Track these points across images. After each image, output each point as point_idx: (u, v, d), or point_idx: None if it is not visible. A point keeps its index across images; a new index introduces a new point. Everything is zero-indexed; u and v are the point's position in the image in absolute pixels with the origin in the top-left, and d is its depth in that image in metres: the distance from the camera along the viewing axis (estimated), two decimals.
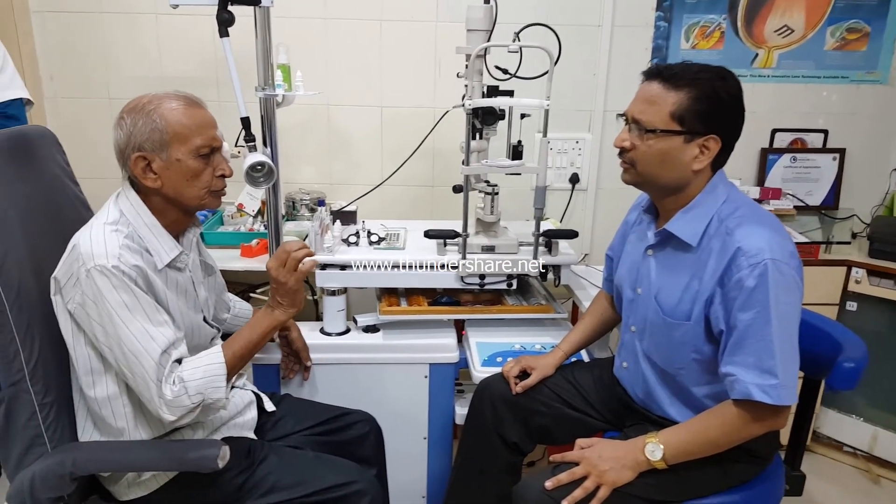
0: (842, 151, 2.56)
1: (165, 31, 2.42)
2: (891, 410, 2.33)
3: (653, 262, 1.39)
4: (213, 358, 1.29)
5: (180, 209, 1.34)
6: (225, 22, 1.68)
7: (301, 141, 2.52)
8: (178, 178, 1.29)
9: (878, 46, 2.49)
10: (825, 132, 2.56)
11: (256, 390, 1.57)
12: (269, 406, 1.55)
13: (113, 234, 1.23)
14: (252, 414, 1.50)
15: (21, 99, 1.97)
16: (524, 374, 1.64)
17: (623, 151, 1.34)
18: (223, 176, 1.35)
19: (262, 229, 2.31)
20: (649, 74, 1.33)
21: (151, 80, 2.43)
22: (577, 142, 2.56)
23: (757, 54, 2.51)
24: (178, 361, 1.26)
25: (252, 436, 1.47)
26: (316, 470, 1.37)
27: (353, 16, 2.41)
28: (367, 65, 2.46)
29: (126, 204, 1.30)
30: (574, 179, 2.59)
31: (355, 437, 1.58)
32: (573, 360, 1.71)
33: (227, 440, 1.29)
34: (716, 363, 1.28)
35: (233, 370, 1.31)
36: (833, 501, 2.19)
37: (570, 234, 1.88)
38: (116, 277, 1.19)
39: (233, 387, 1.52)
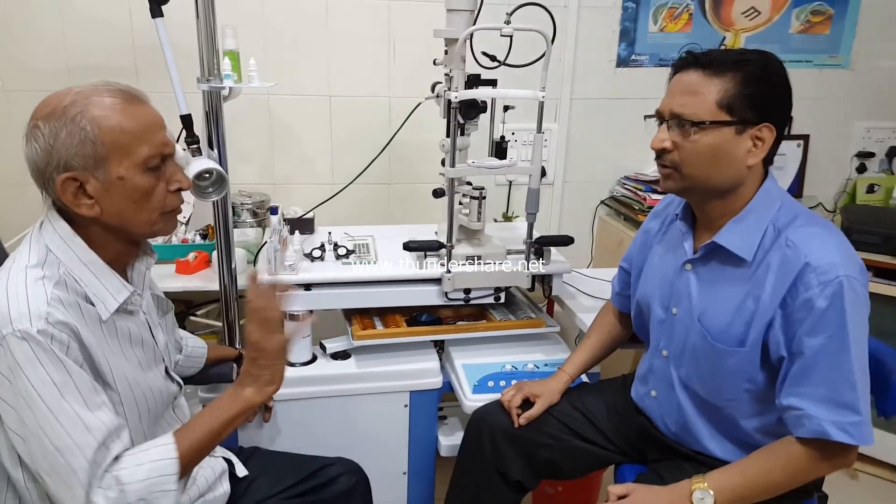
0: (806, 138, 2.52)
1: (69, 11, 2.02)
2: None
3: (693, 279, 1.23)
4: (163, 452, 0.97)
5: (125, 239, 1.05)
6: None
7: (238, 136, 2.19)
8: (121, 201, 0.99)
9: (840, 29, 2.45)
10: (790, 118, 2.51)
11: (229, 454, 1.29)
12: (242, 471, 1.28)
13: (38, 285, 0.93)
14: (224, 488, 1.23)
15: None
16: (526, 403, 1.45)
17: (663, 154, 1.16)
18: (179, 189, 1.06)
19: (197, 239, 2.00)
20: (683, 64, 1.15)
21: (55, 73, 2.03)
22: (543, 132, 2.37)
23: (725, 37, 2.41)
24: (117, 458, 0.95)
25: None
26: None
27: None
28: (312, 48, 2.17)
29: (53, 238, 0.99)
30: (541, 173, 2.40)
31: (340, 494, 1.34)
32: (577, 382, 1.54)
33: None
34: (770, 393, 1.14)
35: (188, 466, 1.00)
36: None
37: (566, 241, 1.70)
38: (42, 347, 0.89)
39: None
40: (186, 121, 1.42)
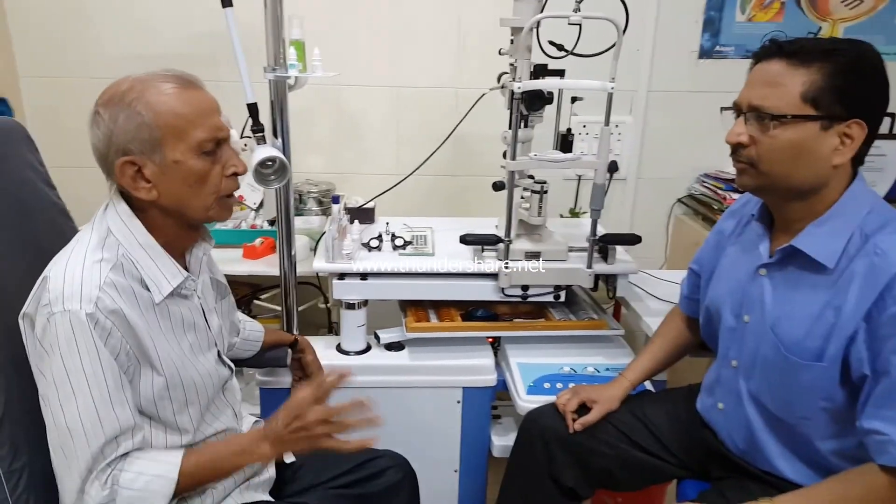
0: None
1: (152, 2, 2.10)
2: None
3: (767, 284, 1.13)
4: (165, 469, 0.97)
5: (183, 223, 1.06)
6: None
7: (307, 126, 2.22)
8: (177, 184, 1.00)
9: None
10: (892, 116, 2.30)
11: None
12: (289, 457, 1.28)
13: (94, 267, 0.95)
14: (270, 473, 1.23)
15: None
16: (583, 409, 1.39)
17: (738, 149, 1.07)
18: (235, 174, 1.06)
19: (265, 225, 2.04)
20: (766, 53, 1.06)
21: (135, 59, 2.12)
22: (617, 126, 2.29)
23: (820, 28, 2.23)
24: (126, 454, 0.97)
25: (268, 498, 1.21)
26: None
27: None
28: (380, 39, 2.17)
29: (115, 220, 1.01)
30: (612, 168, 2.29)
31: (387, 488, 1.33)
32: (639, 390, 1.46)
33: None
34: (850, 413, 1.04)
35: (183, 490, 1.00)
36: None
37: (632, 240, 1.62)
38: (84, 330, 0.91)
39: None
40: (252, 109, 1.44)
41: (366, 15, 2.14)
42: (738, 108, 1.09)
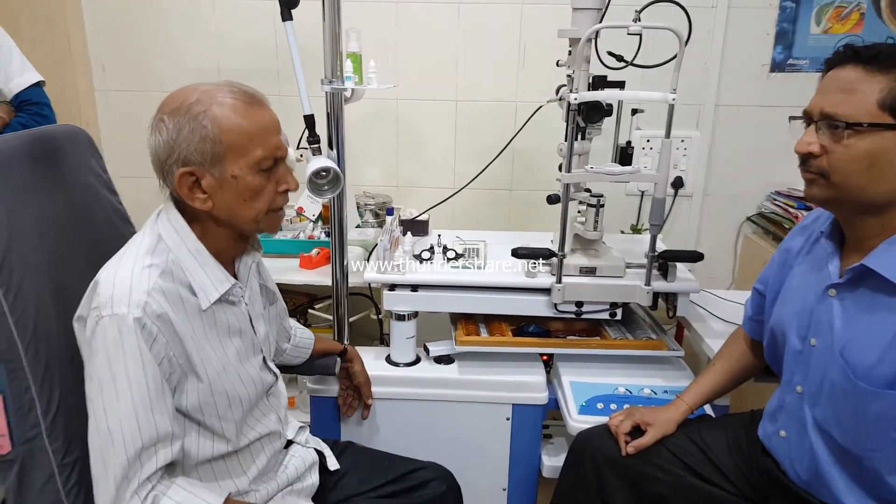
0: None
1: (223, 17, 2.20)
2: None
3: (837, 306, 1.05)
4: None
5: (234, 233, 1.08)
6: (288, 3, 1.43)
7: (366, 139, 2.26)
8: (232, 197, 1.02)
9: None
10: None
11: (320, 446, 1.31)
12: (333, 464, 1.29)
13: (143, 273, 0.98)
14: (313, 479, 1.24)
15: (41, 82, 1.77)
16: (637, 431, 1.33)
17: (808, 159, 1.01)
18: (286, 191, 1.08)
19: (322, 236, 2.07)
20: (840, 59, 1.00)
21: (207, 73, 2.22)
22: (683, 141, 2.22)
23: None
24: (171, 469, 0.99)
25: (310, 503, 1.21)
26: None
27: None
28: (442, 54, 2.18)
29: (166, 227, 1.04)
30: (677, 184, 2.24)
31: (430, 499, 1.31)
32: (697, 413, 1.39)
33: None
34: None
35: None
36: None
37: (694, 257, 1.55)
38: (130, 335, 0.93)
39: (292, 442, 1.27)
40: (309, 121, 1.46)
41: (426, 29, 2.16)
42: (808, 117, 1.03)
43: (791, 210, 2.07)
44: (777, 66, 2.16)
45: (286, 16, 1.44)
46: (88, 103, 2.26)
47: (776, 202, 2.18)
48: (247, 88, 1.04)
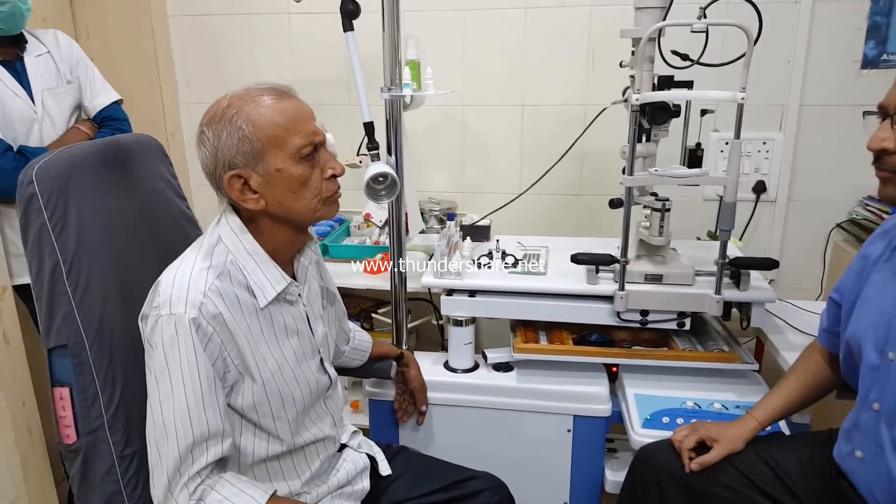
0: None
1: (298, 30, 2.27)
2: None
3: None
4: (247, 503, 1.00)
5: (293, 227, 1.11)
6: (349, 14, 1.46)
7: (432, 145, 2.27)
8: (282, 191, 1.04)
9: None
10: None
11: (373, 451, 1.31)
12: (385, 469, 1.29)
13: (201, 275, 1.02)
14: (364, 484, 1.24)
15: (120, 100, 1.90)
16: (702, 447, 1.26)
17: (883, 156, 0.93)
18: (333, 176, 1.09)
19: (388, 242, 2.09)
20: None
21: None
22: (765, 143, 2.10)
23: None
24: (222, 465, 1.02)
25: None
26: None
27: (496, 5, 2.13)
28: (508, 59, 2.17)
29: (225, 229, 1.08)
30: (759, 188, 2.12)
31: None
32: (769, 430, 1.30)
33: None
34: None
35: None
36: None
37: (768, 265, 1.45)
38: (186, 334, 0.97)
39: (345, 446, 1.28)
40: (368, 128, 1.48)
41: (493, 36, 2.16)
42: (883, 111, 0.95)
43: (886, 216, 1.91)
44: (869, 63, 2.00)
45: (347, 26, 1.47)
46: (173, 116, 2.39)
47: (869, 207, 2.01)
48: (274, 84, 1.07)
